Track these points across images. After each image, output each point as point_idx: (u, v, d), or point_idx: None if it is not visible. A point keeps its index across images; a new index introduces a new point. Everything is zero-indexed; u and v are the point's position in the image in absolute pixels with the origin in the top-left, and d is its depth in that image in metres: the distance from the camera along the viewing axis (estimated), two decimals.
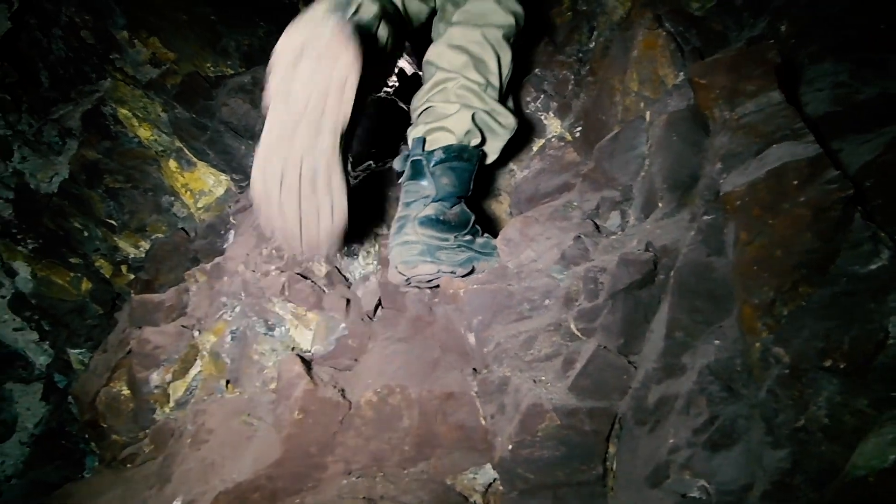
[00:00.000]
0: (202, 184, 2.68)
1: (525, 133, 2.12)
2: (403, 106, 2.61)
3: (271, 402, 1.68)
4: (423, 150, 1.70)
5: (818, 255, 0.96)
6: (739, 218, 1.02)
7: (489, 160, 1.84)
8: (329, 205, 1.46)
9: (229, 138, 2.57)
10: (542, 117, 2.18)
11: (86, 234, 2.71)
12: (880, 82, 1.25)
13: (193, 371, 1.94)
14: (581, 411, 1.19)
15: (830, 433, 0.90)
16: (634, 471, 1.12)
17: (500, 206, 2.15)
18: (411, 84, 2.63)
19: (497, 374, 1.37)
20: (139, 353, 1.95)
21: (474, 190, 1.78)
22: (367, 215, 2.05)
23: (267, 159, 1.42)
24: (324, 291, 1.92)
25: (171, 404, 1.93)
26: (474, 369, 1.50)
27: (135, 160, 2.68)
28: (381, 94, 2.66)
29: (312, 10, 1.46)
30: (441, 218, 1.66)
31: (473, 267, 1.65)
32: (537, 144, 2.17)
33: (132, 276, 2.70)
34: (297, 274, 1.91)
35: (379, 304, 1.92)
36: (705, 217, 1.16)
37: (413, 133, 1.76)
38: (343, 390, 1.58)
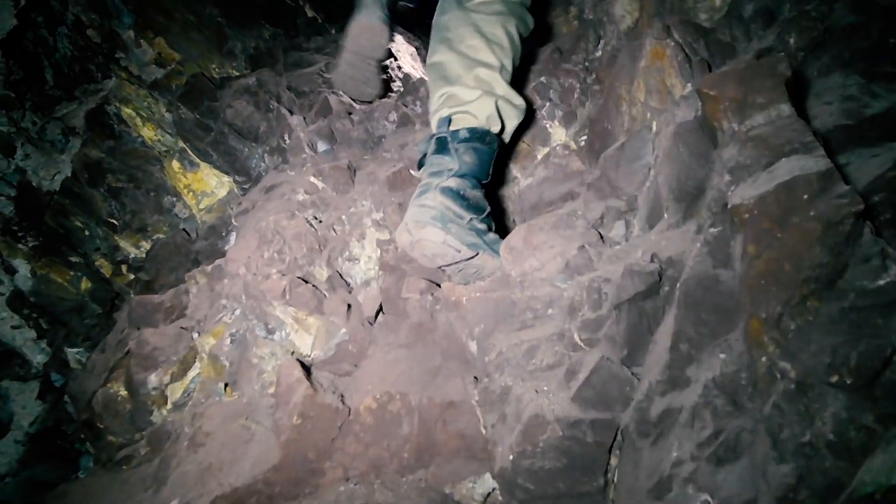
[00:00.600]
0: (205, 185, 2.68)
1: (527, 140, 2.12)
2: None
3: (270, 407, 1.67)
4: (448, 128, 1.76)
5: (827, 270, 0.95)
6: (748, 231, 1.01)
7: (506, 141, 1.91)
8: None
9: (233, 140, 2.57)
10: (547, 125, 2.17)
11: (87, 232, 2.70)
12: (889, 97, 1.25)
13: (192, 373, 1.93)
14: (584, 423, 1.17)
15: (836, 449, 0.89)
16: (636, 483, 1.11)
17: (503, 214, 2.15)
18: None
19: (499, 383, 1.36)
20: (138, 354, 1.94)
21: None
22: None
23: None
24: (325, 296, 1.91)
25: (169, 406, 1.91)
26: (475, 377, 1.49)
27: (138, 160, 2.68)
28: None
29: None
30: (462, 193, 1.68)
31: (476, 254, 1.64)
32: (542, 152, 2.16)
33: (132, 277, 2.69)
34: (299, 278, 1.91)
35: (380, 309, 1.91)
36: (712, 229, 1.15)
37: (438, 114, 1.82)
38: (342, 396, 1.57)
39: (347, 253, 2.06)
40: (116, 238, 2.71)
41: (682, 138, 1.32)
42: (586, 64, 2.21)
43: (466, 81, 1.79)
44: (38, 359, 2.69)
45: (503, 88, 1.82)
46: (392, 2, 2.37)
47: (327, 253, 2.03)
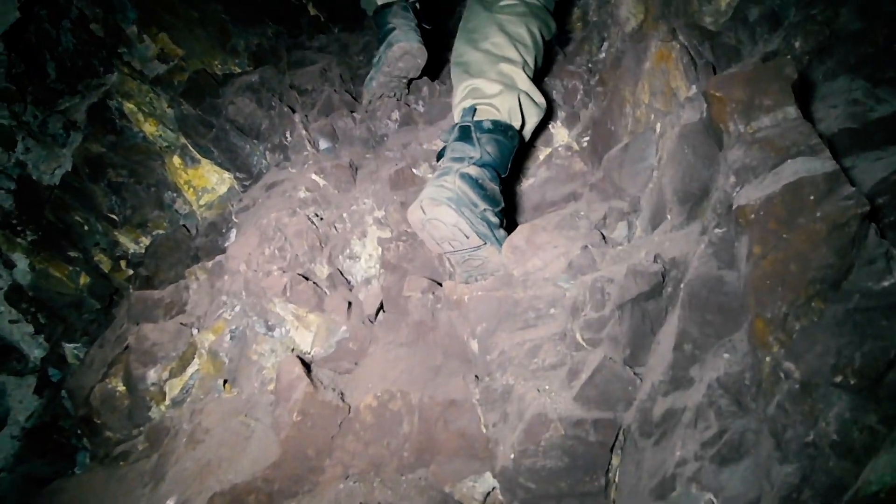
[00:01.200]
0: (205, 181, 2.67)
1: (532, 141, 2.12)
2: None
3: (270, 404, 1.66)
4: (473, 118, 1.78)
5: (833, 271, 0.95)
6: (754, 232, 1.01)
7: (526, 139, 1.93)
8: None
9: (234, 137, 2.56)
10: (550, 126, 2.18)
11: (86, 227, 2.69)
12: (894, 101, 1.25)
13: (191, 369, 1.92)
14: (586, 422, 1.17)
15: (840, 449, 0.89)
16: (639, 483, 1.11)
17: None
18: None
19: (500, 382, 1.36)
20: (137, 350, 1.93)
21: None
22: None
23: None
24: (325, 293, 1.91)
25: (168, 402, 1.91)
26: (476, 376, 1.49)
27: (139, 155, 2.67)
28: None
29: None
30: (480, 182, 1.68)
31: (484, 244, 1.65)
32: (544, 153, 2.16)
33: (131, 272, 2.68)
34: (299, 275, 1.90)
35: (381, 307, 1.90)
36: (717, 230, 1.15)
37: (462, 104, 1.85)
38: (343, 394, 1.56)
39: (348, 251, 2.06)
40: (116, 233, 2.70)
41: (687, 140, 1.32)
42: (590, 65, 2.21)
43: (490, 75, 1.83)
44: (36, 353, 2.68)
45: (525, 84, 1.85)
46: (418, 24, 2.41)
47: (328, 251, 2.02)
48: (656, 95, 1.63)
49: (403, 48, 2.31)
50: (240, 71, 2.89)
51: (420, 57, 2.36)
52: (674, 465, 1.04)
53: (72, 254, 2.70)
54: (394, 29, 2.34)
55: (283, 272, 1.91)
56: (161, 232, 2.69)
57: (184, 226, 2.65)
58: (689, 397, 1.09)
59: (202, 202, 2.66)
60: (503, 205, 1.74)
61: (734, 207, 1.07)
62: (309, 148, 2.41)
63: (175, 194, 2.69)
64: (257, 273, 1.93)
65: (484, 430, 1.40)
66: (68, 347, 2.64)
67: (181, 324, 2.00)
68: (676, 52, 1.58)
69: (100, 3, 2.69)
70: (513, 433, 1.24)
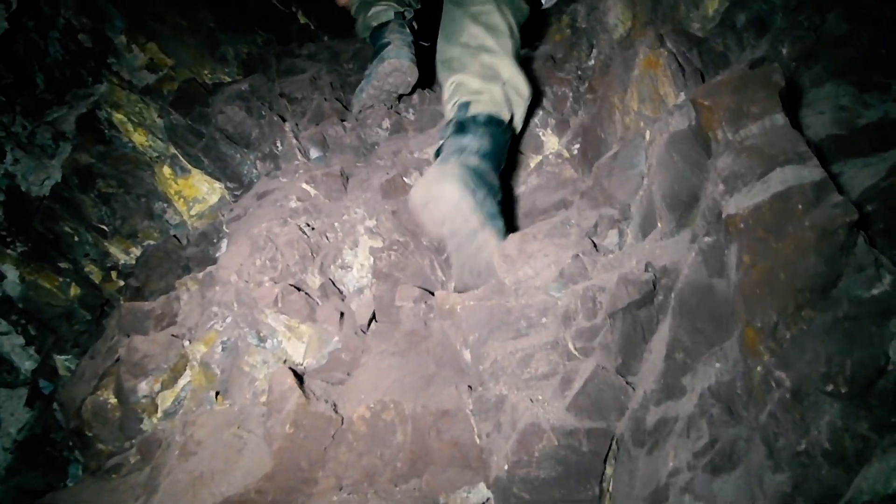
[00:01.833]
0: (196, 191, 2.66)
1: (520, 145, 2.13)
2: None
3: (262, 415, 1.65)
4: (467, 112, 1.80)
5: (822, 279, 0.96)
6: (743, 240, 1.02)
7: (517, 131, 1.96)
8: None
9: (225, 146, 2.56)
10: (540, 133, 2.18)
11: (76, 238, 2.68)
12: (882, 106, 1.26)
13: (183, 381, 1.91)
14: (579, 431, 1.17)
15: (832, 457, 0.90)
16: (632, 492, 1.11)
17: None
18: None
19: (493, 392, 1.36)
20: (128, 362, 1.92)
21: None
22: None
23: None
24: (317, 303, 1.90)
25: (160, 414, 1.89)
26: (469, 386, 1.49)
27: (128, 165, 2.66)
28: None
29: None
30: (480, 172, 1.69)
31: (483, 225, 1.66)
32: (534, 160, 2.17)
33: (122, 283, 2.67)
34: (291, 285, 1.89)
35: (373, 317, 1.90)
36: (706, 238, 1.16)
37: (453, 101, 1.87)
38: (335, 405, 1.56)
39: (340, 260, 2.05)
40: (106, 244, 2.69)
41: (675, 147, 1.33)
42: (579, 73, 2.22)
43: (472, 68, 1.85)
44: (27, 365, 2.66)
45: (508, 71, 1.87)
46: (413, 41, 2.43)
47: (320, 260, 2.02)
48: (645, 102, 1.64)
49: (394, 65, 2.32)
50: (229, 80, 2.89)
51: (410, 75, 2.37)
52: (667, 475, 1.04)
53: (62, 265, 2.68)
54: (389, 44, 2.35)
55: (275, 283, 1.90)
56: (151, 242, 2.67)
57: (174, 236, 2.64)
58: (682, 406, 1.09)
59: (193, 212, 2.65)
60: (502, 196, 1.75)
61: (723, 216, 1.07)
62: (299, 157, 2.40)
63: (165, 204, 2.68)
64: (248, 284, 1.92)
65: (477, 440, 1.40)
66: (59, 359, 2.62)
67: (172, 335, 1.99)
68: (664, 59, 1.58)
69: (88, 13, 2.67)
70: (506, 443, 1.24)
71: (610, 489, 1.18)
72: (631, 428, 1.16)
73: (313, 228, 2.10)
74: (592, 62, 2.15)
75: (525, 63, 2.29)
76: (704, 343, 1.11)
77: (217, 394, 1.83)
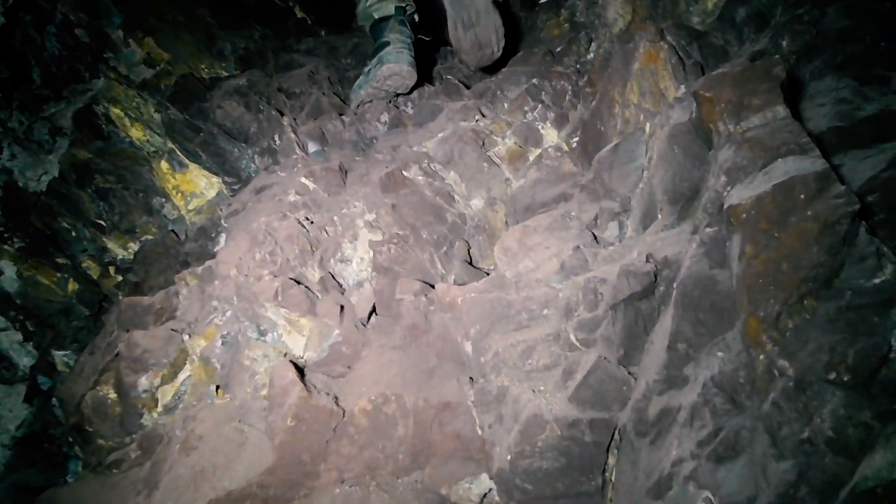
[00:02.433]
0: (194, 186, 2.65)
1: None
2: None
3: (263, 409, 1.65)
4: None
5: (824, 269, 0.96)
6: (745, 231, 1.02)
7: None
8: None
9: (222, 141, 2.55)
10: (539, 127, 2.18)
11: (74, 234, 2.66)
12: (882, 99, 1.27)
13: (183, 376, 1.91)
14: (582, 422, 1.18)
15: (835, 445, 0.90)
16: (635, 482, 1.11)
17: (496, 216, 2.15)
18: None
19: (495, 384, 1.36)
20: (127, 357, 1.91)
21: None
22: None
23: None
24: (317, 297, 1.90)
25: (160, 409, 1.89)
26: (471, 378, 1.49)
27: (126, 160, 2.65)
28: None
29: None
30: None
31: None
32: (534, 154, 2.17)
33: (120, 278, 2.66)
34: (291, 279, 1.89)
35: (373, 311, 1.90)
36: (708, 229, 1.16)
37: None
38: (337, 398, 1.56)
39: (340, 254, 2.05)
40: (104, 239, 2.68)
41: (676, 140, 1.33)
42: (578, 66, 2.22)
43: None
44: (25, 361, 2.65)
45: None
46: (413, 40, 2.44)
47: (319, 254, 2.01)
48: (645, 96, 1.64)
49: (392, 69, 2.32)
50: (227, 74, 2.88)
51: (409, 78, 2.37)
52: (670, 464, 1.04)
53: (60, 260, 2.67)
54: (388, 44, 2.35)
55: (275, 276, 1.90)
56: (150, 237, 2.66)
57: (172, 231, 2.63)
58: (684, 396, 1.09)
59: (191, 207, 2.64)
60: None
61: (726, 207, 1.08)
62: (298, 151, 2.40)
63: (163, 199, 2.67)
64: (248, 278, 1.92)
65: (479, 432, 1.40)
66: (58, 355, 2.62)
67: (172, 330, 1.99)
68: (665, 53, 1.58)
69: (85, 8, 2.66)
70: (508, 434, 1.24)
71: (613, 479, 1.19)
72: (633, 418, 1.17)
73: (312, 222, 2.10)
74: (591, 56, 2.15)
75: (523, 58, 2.30)
76: (707, 333, 1.11)
77: (217, 388, 1.83)
